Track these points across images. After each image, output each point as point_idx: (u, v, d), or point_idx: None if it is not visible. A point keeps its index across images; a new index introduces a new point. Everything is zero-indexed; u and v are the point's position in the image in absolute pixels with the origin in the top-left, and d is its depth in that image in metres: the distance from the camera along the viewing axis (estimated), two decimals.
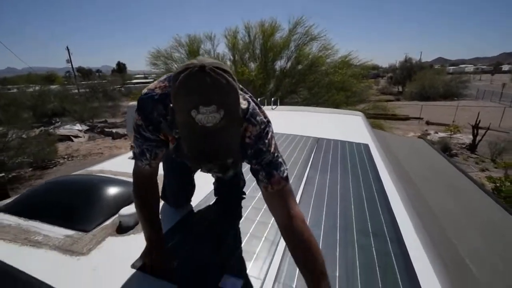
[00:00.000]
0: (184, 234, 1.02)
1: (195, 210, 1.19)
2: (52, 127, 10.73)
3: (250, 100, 0.75)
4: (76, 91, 17.29)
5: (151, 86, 0.75)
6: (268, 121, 0.76)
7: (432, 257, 0.94)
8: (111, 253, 0.92)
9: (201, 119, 0.53)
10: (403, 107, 13.22)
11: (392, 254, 0.93)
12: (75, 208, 1.15)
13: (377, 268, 0.86)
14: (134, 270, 0.82)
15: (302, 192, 1.37)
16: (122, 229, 1.03)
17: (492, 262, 1.10)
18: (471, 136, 8.70)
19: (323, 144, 2.22)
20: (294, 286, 0.77)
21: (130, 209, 1.05)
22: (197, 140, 0.56)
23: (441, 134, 9.75)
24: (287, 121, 3.27)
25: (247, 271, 0.82)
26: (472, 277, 0.92)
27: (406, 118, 13.55)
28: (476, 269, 0.94)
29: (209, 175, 1.27)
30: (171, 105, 0.61)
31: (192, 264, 0.86)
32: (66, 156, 7.68)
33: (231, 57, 9.65)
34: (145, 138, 0.74)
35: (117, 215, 1.08)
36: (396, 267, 0.87)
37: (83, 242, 0.97)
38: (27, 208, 1.17)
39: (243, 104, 0.71)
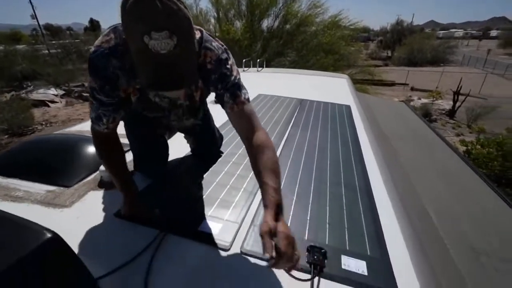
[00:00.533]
0: (164, 187, 1.05)
1: (173, 167, 1.21)
2: (24, 91, 10.00)
3: (202, 29, 0.76)
4: (46, 51, 15.78)
5: (96, 43, 0.70)
6: (225, 48, 0.78)
7: (396, 205, 1.04)
8: (94, 205, 0.95)
9: (154, 45, 0.52)
10: (390, 72, 13.22)
11: (360, 202, 1.02)
12: (54, 165, 1.14)
13: (345, 213, 0.94)
14: (116, 218, 0.87)
15: (282, 148, 1.42)
16: (103, 184, 1.05)
17: (450, 207, 1.24)
18: (451, 102, 8.98)
19: (306, 105, 2.24)
20: None
21: None
22: (154, 67, 0.56)
23: (424, 100, 9.99)
24: (272, 83, 3.22)
25: (226, 217, 0.89)
26: (430, 221, 1.04)
27: (392, 84, 13.66)
28: (434, 215, 1.06)
29: (185, 141, 1.27)
30: (124, 36, 0.60)
31: (173, 212, 0.91)
32: (43, 123, 7.32)
33: (215, 14, 8.96)
34: (101, 103, 0.72)
35: (97, 172, 1.09)
36: (362, 213, 0.96)
37: (65, 196, 0.99)
38: (3, 167, 1.15)
39: (196, 34, 0.71)
